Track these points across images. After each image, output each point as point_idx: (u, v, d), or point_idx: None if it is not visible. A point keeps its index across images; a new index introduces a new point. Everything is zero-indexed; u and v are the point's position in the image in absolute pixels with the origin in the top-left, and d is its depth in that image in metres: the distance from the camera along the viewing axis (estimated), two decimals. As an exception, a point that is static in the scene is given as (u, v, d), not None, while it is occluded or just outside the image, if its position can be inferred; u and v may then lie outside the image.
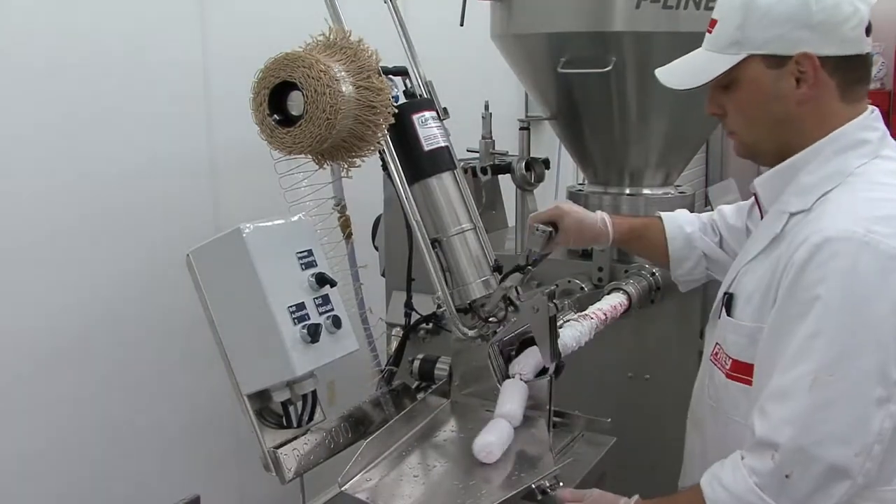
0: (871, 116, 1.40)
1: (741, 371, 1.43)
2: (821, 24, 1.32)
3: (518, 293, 1.79)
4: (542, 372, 1.77)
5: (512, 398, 1.71)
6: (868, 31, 1.37)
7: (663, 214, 1.92)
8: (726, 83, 1.41)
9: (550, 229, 1.81)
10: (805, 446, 1.22)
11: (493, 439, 1.60)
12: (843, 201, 1.31)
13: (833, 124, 1.38)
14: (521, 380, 1.74)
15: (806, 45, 1.33)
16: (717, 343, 1.52)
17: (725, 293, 1.50)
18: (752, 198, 1.61)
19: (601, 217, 1.88)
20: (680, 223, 1.89)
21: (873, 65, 1.41)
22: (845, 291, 1.22)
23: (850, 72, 1.37)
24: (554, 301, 1.72)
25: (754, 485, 1.27)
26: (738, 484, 1.29)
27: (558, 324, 1.81)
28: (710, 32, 1.44)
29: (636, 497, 1.47)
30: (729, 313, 1.47)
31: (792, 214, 1.38)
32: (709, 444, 1.55)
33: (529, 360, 1.76)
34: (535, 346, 1.77)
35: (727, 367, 1.47)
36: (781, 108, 1.38)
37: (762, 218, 1.54)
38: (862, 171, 1.34)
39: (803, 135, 1.39)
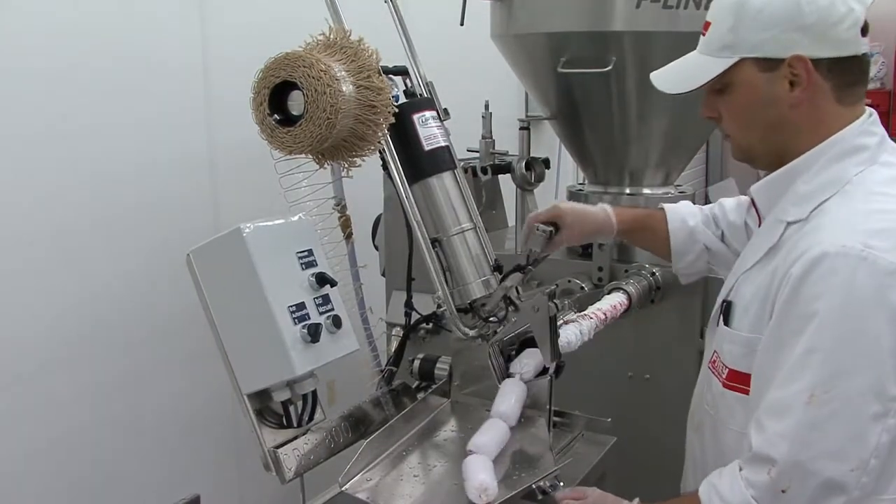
0: (869, 120, 1.37)
1: (738, 380, 1.42)
2: (813, 26, 1.30)
3: (518, 293, 1.79)
4: (543, 372, 1.77)
5: (508, 398, 1.71)
6: (864, 31, 1.34)
7: (666, 206, 1.91)
8: (720, 87, 1.40)
9: (551, 229, 1.81)
10: (801, 462, 1.22)
11: (486, 477, 1.52)
12: (840, 213, 1.29)
13: (829, 128, 1.35)
14: (521, 380, 1.74)
15: (799, 47, 1.31)
16: (714, 351, 1.52)
17: (724, 301, 1.49)
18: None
19: (602, 208, 1.87)
20: (683, 215, 1.88)
21: (873, 64, 1.40)
22: (842, 308, 1.21)
23: (845, 74, 1.34)
24: (554, 301, 1.72)
25: (751, 497, 1.26)
26: (735, 496, 1.28)
27: (558, 323, 1.81)
28: (703, 35, 1.42)
29: (636, 500, 1.47)
30: (727, 322, 1.46)
31: (789, 224, 1.37)
32: (707, 450, 1.54)
33: (530, 360, 1.76)
34: (536, 347, 1.77)
35: (724, 376, 1.46)
36: (775, 111, 1.36)
37: (759, 224, 1.53)
38: (859, 180, 1.32)
39: (799, 139, 1.37)
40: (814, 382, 1.21)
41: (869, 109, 1.39)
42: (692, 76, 1.41)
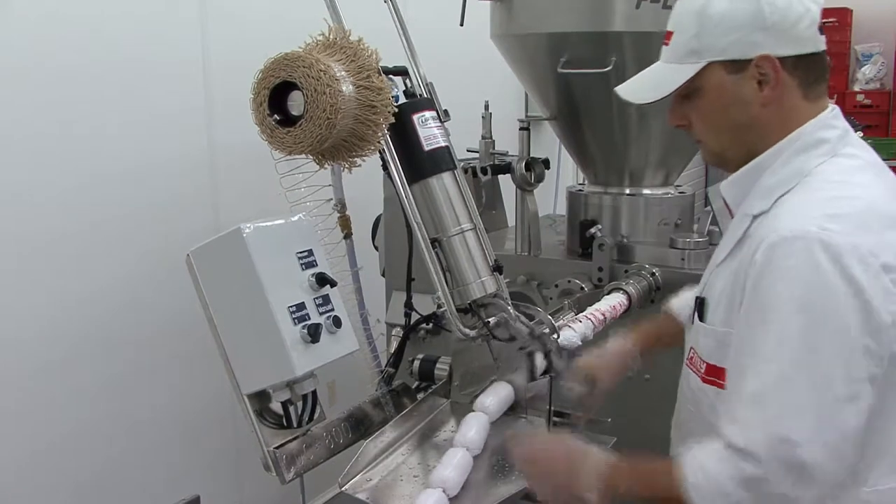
0: (831, 114, 1.41)
1: (715, 375, 1.44)
2: (775, 26, 1.34)
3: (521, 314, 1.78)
4: (543, 373, 1.77)
5: (472, 427, 1.67)
6: (821, 29, 1.39)
7: (670, 306, 1.88)
8: (688, 93, 1.42)
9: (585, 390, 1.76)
10: (775, 448, 1.23)
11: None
12: (798, 201, 1.33)
13: (797, 124, 1.39)
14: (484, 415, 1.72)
15: (763, 47, 1.34)
16: (691, 347, 1.53)
17: (697, 297, 1.51)
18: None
19: (620, 344, 1.82)
20: (683, 302, 1.83)
21: (873, 65, 1.42)
22: (803, 291, 1.23)
23: (809, 70, 1.38)
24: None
25: (730, 479, 1.27)
26: (719, 473, 1.28)
27: (558, 324, 1.81)
28: (666, 45, 1.45)
29: (608, 456, 1.43)
30: (701, 318, 1.48)
31: (755, 217, 1.39)
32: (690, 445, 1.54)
33: (494, 396, 1.75)
34: (502, 382, 1.77)
35: (702, 371, 1.47)
36: (745, 112, 1.39)
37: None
38: (819, 171, 1.35)
39: (769, 136, 1.40)
40: (783, 370, 1.23)
41: (832, 105, 1.42)
42: (661, 84, 1.44)
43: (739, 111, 1.39)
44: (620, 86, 1.54)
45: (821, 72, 1.41)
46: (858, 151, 1.40)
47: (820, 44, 1.39)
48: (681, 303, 1.85)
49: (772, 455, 1.23)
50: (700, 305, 1.49)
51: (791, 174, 1.36)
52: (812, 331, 1.22)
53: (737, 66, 1.37)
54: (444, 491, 1.50)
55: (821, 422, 1.22)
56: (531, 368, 1.75)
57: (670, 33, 1.45)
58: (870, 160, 1.40)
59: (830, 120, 1.40)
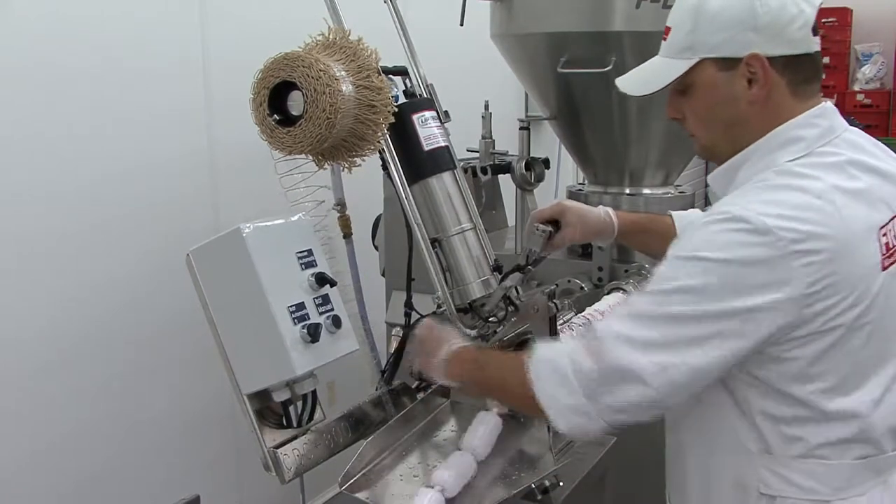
0: (815, 114, 1.41)
1: None
2: (767, 26, 1.36)
3: (518, 293, 1.79)
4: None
5: (478, 432, 1.68)
6: (815, 31, 1.40)
7: (674, 213, 1.91)
8: (682, 88, 1.46)
9: (550, 229, 1.81)
10: (612, 337, 1.31)
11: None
12: (745, 191, 1.36)
13: (782, 122, 1.41)
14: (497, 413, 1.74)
15: (754, 46, 1.37)
16: None
17: None
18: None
19: (604, 210, 1.89)
20: (691, 220, 1.88)
21: (873, 64, 1.42)
22: (693, 243, 1.30)
23: (799, 71, 1.40)
24: (554, 301, 1.72)
25: (567, 355, 1.36)
26: (560, 349, 1.40)
27: (558, 324, 1.81)
28: (664, 40, 1.49)
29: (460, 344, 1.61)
30: None
31: None
32: (685, 442, 1.55)
33: (481, 431, 1.72)
34: (485, 414, 1.76)
35: None
36: (735, 109, 1.41)
37: None
38: (786, 167, 1.37)
39: (755, 134, 1.42)
40: (657, 299, 1.31)
41: (822, 105, 1.42)
42: (656, 78, 1.48)
43: (728, 108, 1.42)
44: (620, 77, 1.57)
45: (812, 72, 1.42)
46: (842, 150, 1.39)
47: (813, 45, 1.40)
48: (685, 215, 1.87)
49: (602, 342, 1.32)
50: None
51: (760, 169, 1.39)
52: (684, 274, 1.29)
53: (728, 63, 1.39)
54: (442, 491, 1.50)
55: (657, 340, 1.29)
56: (553, 315, 1.75)
57: (668, 28, 1.48)
58: (851, 158, 1.38)
59: (812, 119, 1.40)
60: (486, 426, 1.68)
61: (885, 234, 1.35)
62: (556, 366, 1.36)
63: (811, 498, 1.36)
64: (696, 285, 1.27)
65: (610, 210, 1.88)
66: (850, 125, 1.46)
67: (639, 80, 1.53)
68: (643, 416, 1.33)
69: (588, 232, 1.86)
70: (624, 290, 2.21)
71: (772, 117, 1.40)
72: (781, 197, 1.30)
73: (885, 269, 1.33)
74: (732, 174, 1.44)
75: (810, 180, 1.32)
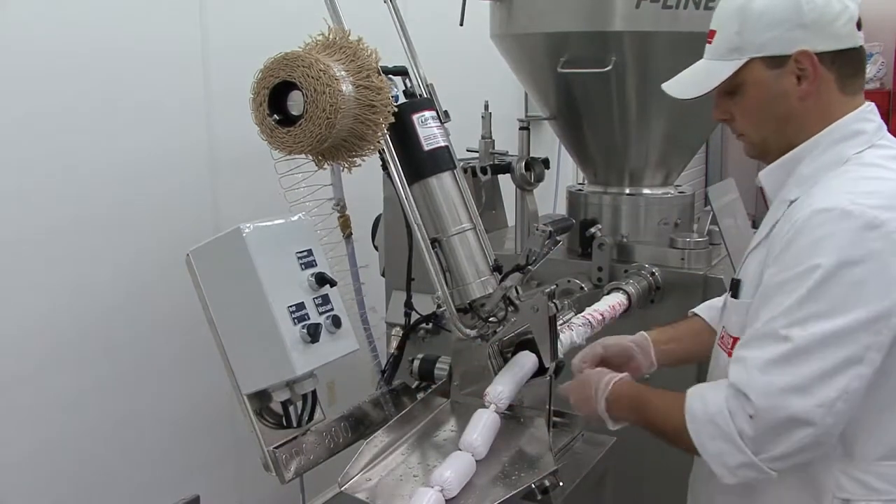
0: (867, 109, 1.45)
1: None
2: (814, 23, 1.38)
3: (518, 293, 1.79)
4: (543, 371, 1.77)
5: (476, 430, 1.65)
6: (859, 25, 1.42)
7: (697, 310, 1.88)
8: (731, 89, 1.47)
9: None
10: (770, 394, 1.29)
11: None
12: (833, 183, 1.37)
13: (834, 116, 1.43)
14: (495, 411, 1.68)
15: (802, 43, 1.39)
16: (723, 327, 1.58)
17: (733, 279, 1.56)
18: (758, 195, 1.64)
19: (640, 334, 1.82)
20: (716, 305, 1.84)
21: (873, 64, 1.45)
22: (822, 255, 1.28)
23: (846, 65, 1.42)
24: (554, 301, 1.72)
25: (727, 410, 1.34)
26: (715, 404, 1.36)
27: (558, 324, 1.81)
28: (709, 43, 1.50)
29: (625, 375, 1.60)
30: (735, 297, 1.53)
31: (791, 202, 1.44)
32: None
33: (505, 387, 1.71)
34: (482, 412, 1.72)
35: (729, 346, 1.51)
36: (785, 105, 1.43)
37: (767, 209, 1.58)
38: (857, 159, 1.40)
39: (808, 129, 1.44)
40: (791, 322, 1.29)
41: (868, 101, 1.46)
42: (704, 80, 1.49)
43: (779, 105, 1.44)
44: (666, 83, 1.57)
45: (858, 66, 1.45)
46: (894, 143, 1.44)
47: (858, 39, 1.42)
48: (707, 306, 1.87)
49: (763, 397, 1.29)
50: (735, 286, 1.53)
51: (829, 162, 1.41)
52: (822, 294, 1.28)
53: (777, 61, 1.41)
54: (442, 491, 1.50)
55: (816, 377, 1.27)
56: (553, 316, 1.72)
57: (713, 31, 1.49)
58: None
59: (867, 114, 1.45)
60: (484, 424, 1.68)
61: None
62: (718, 426, 1.35)
63: (885, 499, 1.38)
64: (825, 297, 1.27)
65: (641, 337, 1.82)
66: None
67: (687, 84, 1.54)
68: (814, 454, 1.34)
69: (627, 365, 1.78)
70: (624, 290, 2.21)
71: (823, 112, 1.43)
72: (875, 186, 1.32)
73: None
74: (790, 170, 1.46)
75: (889, 171, 1.36)
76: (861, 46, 1.43)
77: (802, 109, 1.42)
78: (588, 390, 1.61)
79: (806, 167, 1.43)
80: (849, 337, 1.27)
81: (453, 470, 1.54)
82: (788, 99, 1.42)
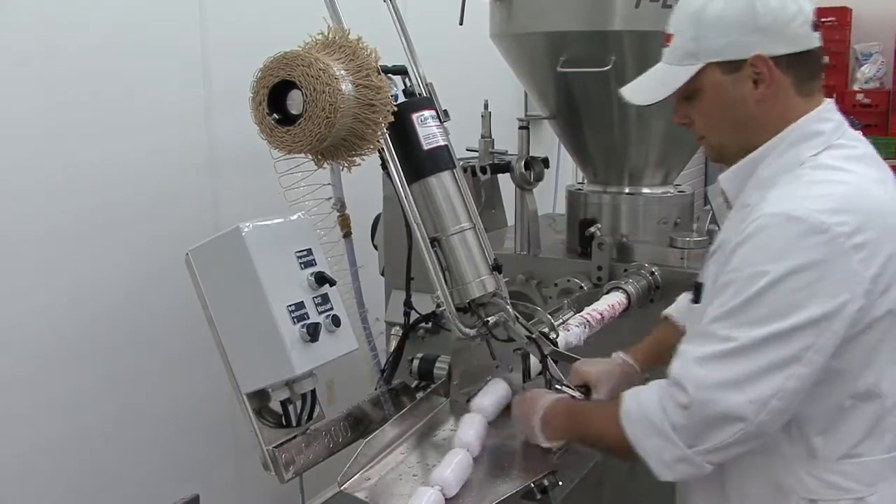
0: (826, 109, 1.44)
1: None
2: (769, 26, 1.37)
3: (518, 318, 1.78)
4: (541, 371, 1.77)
5: (470, 428, 1.67)
6: (815, 26, 1.41)
7: (668, 313, 1.89)
8: (689, 93, 1.46)
9: (581, 394, 1.75)
10: (704, 386, 1.30)
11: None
12: (787, 188, 1.37)
13: (792, 119, 1.43)
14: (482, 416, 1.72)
15: (758, 47, 1.38)
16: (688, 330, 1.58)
17: (696, 282, 1.57)
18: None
19: (617, 356, 1.83)
20: (685, 306, 1.85)
21: (873, 64, 1.43)
22: (768, 261, 1.29)
23: (802, 67, 1.41)
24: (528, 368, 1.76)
25: (661, 406, 1.35)
26: (650, 401, 1.38)
27: (557, 323, 1.81)
28: (667, 46, 1.49)
29: (564, 396, 1.63)
30: (697, 301, 1.54)
31: (750, 206, 1.43)
32: None
33: (491, 395, 1.76)
34: (498, 380, 1.79)
35: None
36: (743, 109, 1.43)
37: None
38: (813, 160, 1.39)
39: (766, 132, 1.44)
40: (733, 324, 1.30)
41: (827, 100, 1.46)
42: (661, 86, 1.49)
43: (737, 109, 1.43)
44: (624, 87, 1.57)
45: (815, 68, 1.44)
46: (853, 143, 1.43)
47: (814, 41, 1.42)
48: (678, 307, 1.87)
49: (699, 391, 1.30)
50: (697, 290, 1.54)
51: (786, 165, 1.40)
52: (762, 297, 1.28)
53: (733, 66, 1.40)
54: (441, 490, 1.50)
55: (752, 374, 1.28)
56: (527, 369, 1.76)
57: (670, 35, 1.48)
58: (865, 152, 1.43)
59: (825, 114, 1.43)
60: (475, 422, 1.69)
61: None
62: (652, 422, 1.36)
63: (853, 497, 1.39)
64: (767, 302, 1.28)
65: (622, 354, 1.83)
66: (851, 125, 1.47)
67: (644, 89, 1.54)
68: (748, 449, 1.34)
69: (617, 387, 1.76)
70: (623, 290, 2.21)
71: (780, 115, 1.42)
72: (826, 190, 1.32)
73: None
74: (748, 172, 1.45)
75: (844, 172, 1.35)
76: (818, 47, 1.42)
77: (760, 113, 1.42)
78: (527, 409, 1.63)
79: (764, 170, 1.43)
80: (789, 338, 1.27)
81: (452, 469, 1.54)
82: (746, 103, 1.41)
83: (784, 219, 1.29)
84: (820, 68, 1.46)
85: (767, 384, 1.28)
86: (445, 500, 1.50)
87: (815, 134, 1.41)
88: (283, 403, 1.70)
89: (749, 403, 1.28)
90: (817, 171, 1.37)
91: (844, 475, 1.38)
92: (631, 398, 1.42)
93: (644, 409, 1.38)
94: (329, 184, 2.41)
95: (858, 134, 1.47)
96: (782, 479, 1.41)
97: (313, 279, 1.68)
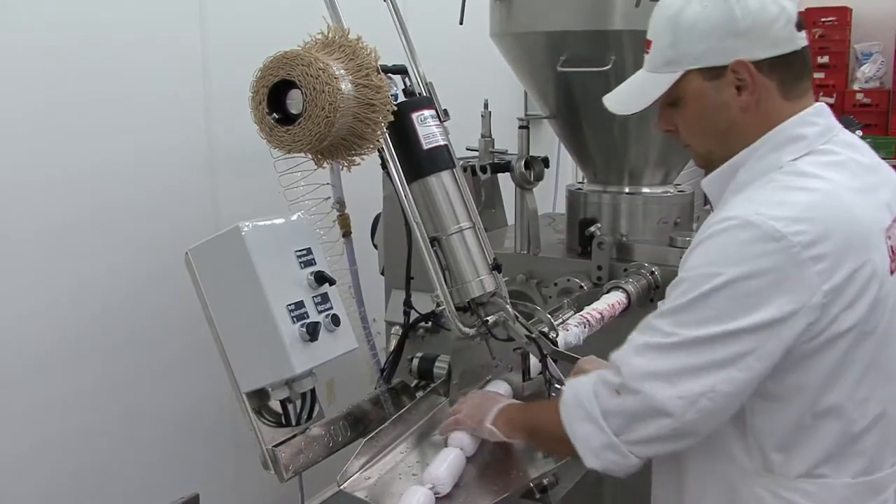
0: (812, 112, 1.39)
1: None
2: (749, 30, 1.32)
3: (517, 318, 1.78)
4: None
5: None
6: (799, 26, 1.37)
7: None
8: (672, 101, 1.42)
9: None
10: (636, 374, 1.30)
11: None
12: (755, 193, 1.33)
13: (777, 123, 1.38)
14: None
15: (738, 52, 1.33)
16: None
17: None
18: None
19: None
20: None
21: (873, 63, 1.41)
22: (718, 263, 1.27)
23: (787, 70, 1.36)
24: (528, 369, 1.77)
25: (593, 391, 1.36)
26: (584, 386, 1.39)
27: (556, 323, 1.81)
28: (647, 53, 1.45)
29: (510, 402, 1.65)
30: None
31: None
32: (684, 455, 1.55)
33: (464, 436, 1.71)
34: (498, 381, 1.80)
35: None
36: (726, 116, 1.38)
37: None
38: (790, 166, 1.35)
39: (750, 138, 1.39)
40: (677, 322, 1.30)
41: (817, 104, 1.41)
42: (642, 95, 1.45)
43: (720, 116, 1.39)
44: (606, 96, 1.54)
45: (801, 70, 1.39)
46: (839, 148, 1.38)
47: (799, 41, 1.36)
48: None
49: (632, 379, 1.31)
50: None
51: (763, 169, 1.36)
52: (708, 296, 1.27)
53: (714, 72, 1.36)
54: (434, 489, 1.50)
55: (684, 371, 1.27)
56: (526, 369, 1.76)
57: (649, 42, 1.44)
58: (850, 157, 1.37)
59: (810, 117, 1.38)
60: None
61: (889, 237, 1.33)
62: (584, 407, 1.36)
63: None
64: (713, 304, 1.26)
65: None
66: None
67: (626, 98, 1.50)
68: (676, 447, 1.34)
69: None
70: (623, 289, 2.21)
71: (765, 120, 1.37)
72: (791, 198, 1.28)
73: (892, 272, 1.32)
74: (728, 177, 1.42)
75: (817, 180, 1.31)
76: (804, 48, 1.37)
77: (744, 120, 1.37)
78: (478, 411, 1.63)
79: (743, 174, 1.39)
80: (729, 341, 1.25)
81: (445, 467, 1.54)
82: (729, 110, 1.37)
83: (741, 223, 1.26)
84: (808, 69, 1.40)
85: (699, 382, 1.26)
86: (439, 497, 1.50)
87: (797, 138, 1.36)
88: (283, 403, 1.70)
89: (677, 399, 1.27)
90: (789, 176, 1.32)
91: (804, 494, 1.34)
92: (570, 388, 1.43)
93: (578, 395, 1.38)
94: (329, 183, 2.41)
95: (854, 138, 1.43)
96: (739, 490, 1.38)
97: (313, 278, 1.68)
